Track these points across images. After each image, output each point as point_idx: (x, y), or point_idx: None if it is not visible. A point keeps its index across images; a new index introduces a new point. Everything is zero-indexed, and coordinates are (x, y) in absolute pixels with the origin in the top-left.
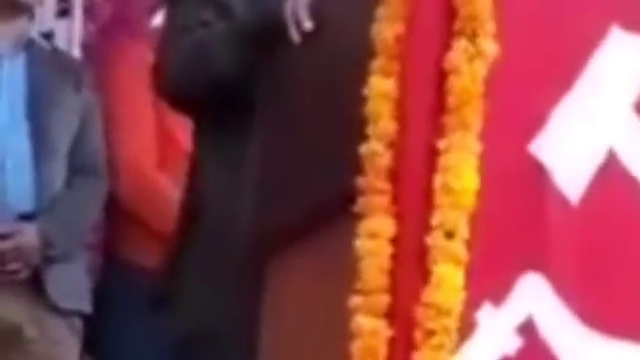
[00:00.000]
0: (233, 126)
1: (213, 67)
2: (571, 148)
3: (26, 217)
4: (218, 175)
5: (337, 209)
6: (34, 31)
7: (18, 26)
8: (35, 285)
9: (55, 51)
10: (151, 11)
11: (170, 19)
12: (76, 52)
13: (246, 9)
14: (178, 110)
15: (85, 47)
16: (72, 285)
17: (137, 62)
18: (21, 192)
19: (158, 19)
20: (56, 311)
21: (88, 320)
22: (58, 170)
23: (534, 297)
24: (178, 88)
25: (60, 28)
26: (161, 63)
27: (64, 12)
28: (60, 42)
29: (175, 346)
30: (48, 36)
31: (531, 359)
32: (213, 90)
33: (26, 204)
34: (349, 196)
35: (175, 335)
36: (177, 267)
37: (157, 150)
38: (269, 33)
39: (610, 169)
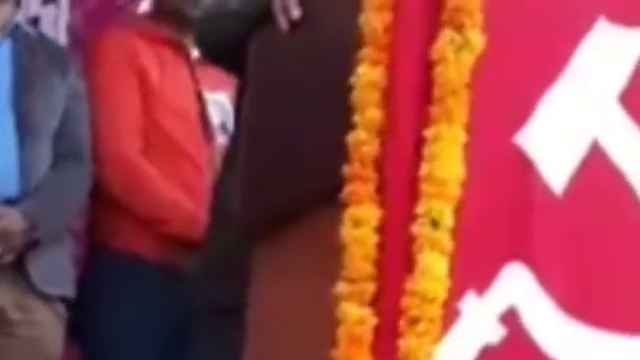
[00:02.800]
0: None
1: (225, 31)
2: (556, 139)
3: (11, 202)
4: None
5: (322, 198)
6: (20, 17)
7: (4, 12)
8: (19, 269)
9: (42, 37)
10: None
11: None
12: (62, 38)
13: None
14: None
15: (71, 33)
16: (56, 270)
17: (123, 49)
18: (6, 176)
19: (144, 5)
20: (39, 295)
21: (73, 306)
22: (43, 155)
23: (517, 287)
24: (205, 47)
25: (46, 14)
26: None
27: None
28: (46, 28)
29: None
30: (34, 22)
31: (514, 348)
32: (229, 49)
33: (11, 189)
34: (334, 185)
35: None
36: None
37: (142, 137)
38: (261, 21)
39: (594, 160)
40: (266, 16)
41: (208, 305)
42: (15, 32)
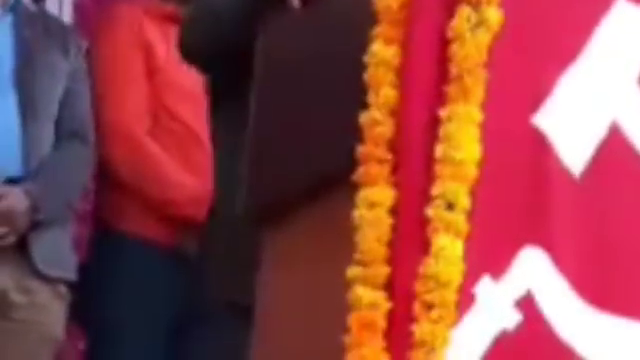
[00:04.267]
0: (240, 101)
1: (223, 30)
2: (574, 121)
3: (14, 181)
4: (227, 152)
5: (335, 179)
6: None
7: None
8: (21, 250)
9: (43, 13)
10: None
11: None
12: (67, 16)
13: None
14: (199, 70)
15: (77, 10)
16: (57, 252)
17: (130, 26)
18: (9, 156)
19: None
20: (41, 277)
21: (77, 288)
22: (46, 134)
23: (534, 271)
24: (195, 49)
25: None
26: (184, 27)
27: None
28: (51, 4)
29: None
30: None
31: (530, 334)
32: (224, 53)
33: (14, 168)
34: (348, 166)
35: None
36: (207, 239)
37: (149, 117)
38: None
39: (613, 142)
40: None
41: (220, 297)
42: (16, 7)
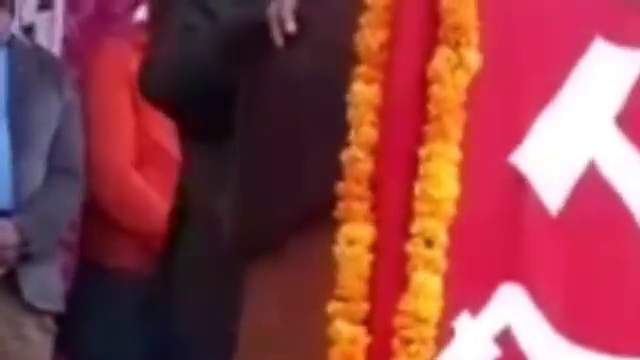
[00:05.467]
0: (218, 130)
1: (198, 73)
2: (552, 159)
3: (3, 214)
4: (201, 176)
5: (318, 215)
6: (15, 24)
7: None
8: (9, 283)
9: (37, 48)
10: (133, 7)
11: (161, 23)
12: (56, 47)
13: (231, 13)
14: (162, 113)
15: (66, 42)
16: (46, 285)
17: (117, 59)
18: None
19: (140, 14)
20: (29, 310)
21: (62, 320)
22: (37, 167)
23: (512, 307)
24: (164, 92)
25: (41, 21)
26: (148, 65)
27: (46, 5)
28: (41, 36)
29: (165, 348)
30: (29, 29)
31: None
32: (199, 96)
33: (4, 201)
34: (330, 202)
35: (165, 338)
36: (168, 269)
37: (135, 149)
38: (253, 36)
39: (590, 180)
40: (253, 34)
41: (200, 327)
42: (10, 42)
